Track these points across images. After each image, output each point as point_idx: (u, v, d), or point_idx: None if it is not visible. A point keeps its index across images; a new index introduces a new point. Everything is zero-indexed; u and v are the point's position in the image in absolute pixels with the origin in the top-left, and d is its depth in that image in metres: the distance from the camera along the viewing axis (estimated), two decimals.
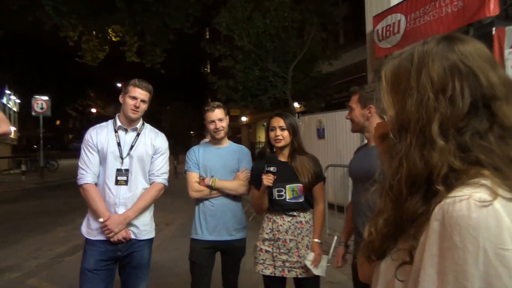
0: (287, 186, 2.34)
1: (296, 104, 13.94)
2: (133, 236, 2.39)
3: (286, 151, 2.43)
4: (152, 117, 33.45)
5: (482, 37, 5.39)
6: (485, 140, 0.68)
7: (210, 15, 17.58)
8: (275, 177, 2.28)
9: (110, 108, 42.20)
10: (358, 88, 2.09)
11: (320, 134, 7.63)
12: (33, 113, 16.34)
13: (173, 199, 7.89)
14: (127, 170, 2.37)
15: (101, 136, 2.41)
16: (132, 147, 2.42)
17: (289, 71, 12.10)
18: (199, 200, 2.66)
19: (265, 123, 11.17)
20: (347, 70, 14.69)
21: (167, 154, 2.57)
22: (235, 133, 29.75)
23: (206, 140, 8.78)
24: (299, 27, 12.61)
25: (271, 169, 2.25)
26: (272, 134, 2.39)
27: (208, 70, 34.98)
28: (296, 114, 8.84)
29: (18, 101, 25.97)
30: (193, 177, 2.63)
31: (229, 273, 2.70)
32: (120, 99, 2.44)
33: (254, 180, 2.47)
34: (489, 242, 0.59)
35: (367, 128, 2.03)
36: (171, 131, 27.89)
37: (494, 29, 5.05)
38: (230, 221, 2.62)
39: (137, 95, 2.39)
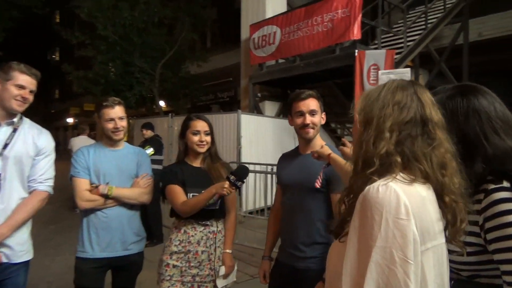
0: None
1: (162, 103, 13.50)
2: (5, 260, 1.86)
3: (201, 156, 2.27)
4: None
5: (346, 57, 6.18)
6: (415, 141, 0.96)
7: None
8: (236, 190, 2.08)
9: None
10: (316, 94, 2.01)
11: None
12: None
13: None
14: None
15: None
16: (6, 145, 1.89)
17: (157, 68, 11.65)
18: (88, 211, 2.25)
19: (131, 121, 10.50)
20: (214, 73, 14.97)
21: (53, 155, 2.10)
22: (90, 130, 27.08)
23: (83, 137, 7.71)
24: (170, 24, 12.27)
25: (238, 184, 2.01)
26: (195, 138, 2.19)
27: (57, 58, 31.11)
28: (169, 114, 8.52)
29: None
30: (82, 184, 2.21)
31: None
32: None
33: (173, 180, 2.19)
34: (389, 213, 0.84)
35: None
36: None
37: (356, 51, 5.80)
38: (127, 234, 2.29)
39: (26, 84, 1.91)
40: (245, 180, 2.04)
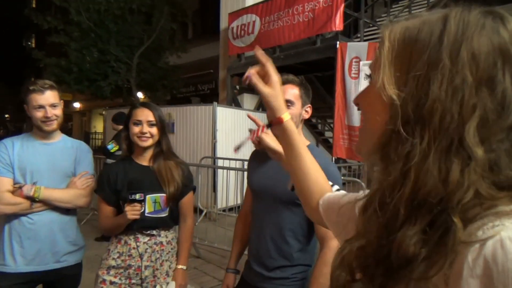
0: (148, 197, 1.82)
1: (140, 94, 13.01)
2: None
3: (150, 152, 1.92)
4: None
5: (327, 48, 5.91)
6: None
7: None
8: (142, 207, 1.75)
9: None
10: (298, 80, 1.60)
11: (170, 128, 7.16)
12: None
13: None
14: None
15: None
16: None
17: (134, 57, 11.17)
18: (11, 217, 1.88)
19: (104, 112, 10.01)
20: (195, 65, 14.55)
21: None
22: (65, 121, 26.21)
23: None
24: (148, 12, 11.77)
25: (137, 196, 1.71)
26: (136, 129, 1.84)
27: (33, 45, 30.05)
28: None
29: None
30: (3, 184, 1.84)
31: None
32: None
33: (102, 189, 1.88)
34: None
35: None
36: None
37: (338, 42, 5.53)
38: (59, 244, 1.94)
39: None
40: (142, 193, 1.75)
